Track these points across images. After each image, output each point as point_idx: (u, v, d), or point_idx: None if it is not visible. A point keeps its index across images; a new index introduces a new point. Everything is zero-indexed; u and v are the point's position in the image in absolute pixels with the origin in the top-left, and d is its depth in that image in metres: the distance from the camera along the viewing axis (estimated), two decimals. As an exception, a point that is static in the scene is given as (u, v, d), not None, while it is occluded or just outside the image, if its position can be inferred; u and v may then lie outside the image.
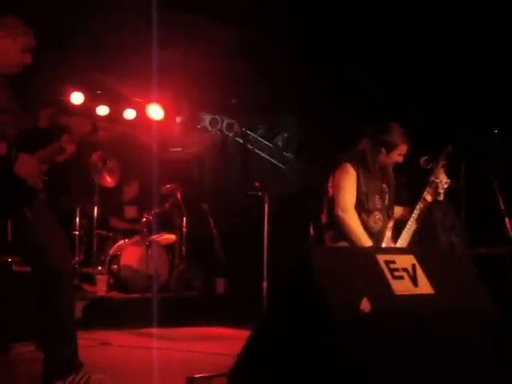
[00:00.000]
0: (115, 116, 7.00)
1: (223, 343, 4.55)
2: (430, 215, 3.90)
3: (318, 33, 5.79)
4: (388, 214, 3.78)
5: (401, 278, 2.33)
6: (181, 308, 5.62)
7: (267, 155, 3.79)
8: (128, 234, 6.39)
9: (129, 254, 6.03)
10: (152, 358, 3.83)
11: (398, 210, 3.86)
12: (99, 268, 6.22)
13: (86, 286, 5.93)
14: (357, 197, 3.66)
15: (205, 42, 5.86)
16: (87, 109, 6.81)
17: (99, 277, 5.83)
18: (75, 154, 3.00)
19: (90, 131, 3.02)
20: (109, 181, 6.45)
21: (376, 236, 3.66)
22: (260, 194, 3.35)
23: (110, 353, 4.07)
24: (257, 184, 3.37)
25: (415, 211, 3.65)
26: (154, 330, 4.78)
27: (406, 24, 5.37)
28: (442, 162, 3.64)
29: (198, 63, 5.98)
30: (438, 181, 3.62)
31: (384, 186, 3.81)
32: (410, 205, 3.78)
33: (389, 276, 2.30)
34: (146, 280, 5.88)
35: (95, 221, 6.33)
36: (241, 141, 3.54)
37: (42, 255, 2.75)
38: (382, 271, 2.30)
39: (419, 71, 5.40)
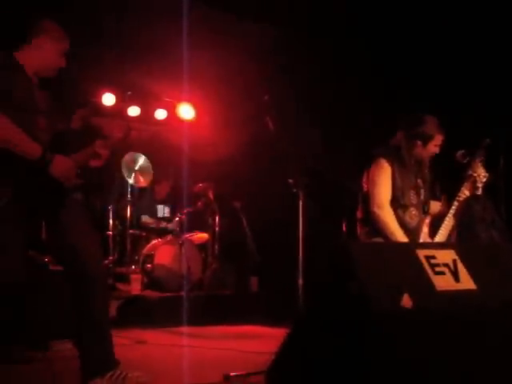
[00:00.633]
0: (146, 116, 7.06)
1: (257, 341, 4.53)
2: (468, 210, 3.83)
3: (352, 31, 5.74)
4: (424, 209, 3.72)
5: (442, 273, 2.28)
6: (214, 306, 5.62)
7: (300, 152, 3.76)
8: (160, 232, 6.43)
9: (162, 253, 6.06)
10: (186, 356, 3.84)
11: (436, 206, 3.80)
12: (133, 267, 6.28)
13: (121, 286, 5.99)
14: (392, 192, 3.61)
15: (236, 41, 5.85)
16: (119, 110, 6.89)
17: (133, 276, 5.88)
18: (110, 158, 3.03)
19: (124, 136, 3.04)
20: (141, 181, 6.49)
21: (412, 232, 3.60)
22: (295, 190, 3.32)
23: (145, 351, 4.09)
24: (291, 181, 3.34)
25: (453, 206, 3.58)
26: (188, 329, 4.80)
27: (440, 20, 5.29)
28: (479, 156, 3.57)
29: (228, 62, 5.98)
30: (475, 175, 3.55)
31: (419, 181, 3.75)
32: (447, 200, 3.71)
33: (430, 271, 2.25)
34: (180, 279, 5.90)
35: (128, 221, 6.39)
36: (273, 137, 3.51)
37: (74, 257, 2.77)
38: (422, 266, 2.25)
39: (456, 64, 5.31)
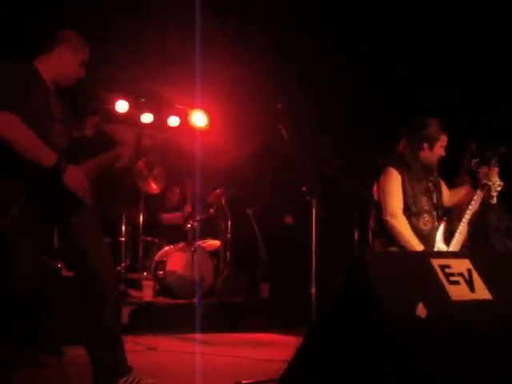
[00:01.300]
0: (159, 123, 7.09)
1: (268, 349, 4.52)
2: (483, 219, 3.80)
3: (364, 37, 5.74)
4: (438, 214, 3.70)
5: (457, 283, 2.26)
6: (226, 313, 5.61)
7: (313, 159, 3.76)
8: (171, 238, 6.45)
9: (174, 259, 6.07)
10: (198, 363, 3.83)
11: (458, 193, 3.76)
12: (145, 274, 6.29)
13: (133, 292, 6.00)
14: (404, 200, 3.60)
15: (248, 48, 5.87)
16: (132, 117, 6.92)
17: (145, 282, 5.89)
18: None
19: (136, 143, 3.05)
20: (154, 187, 6.51)
21: (426, 238, 3.58)
22: (308, 198, 3.32)
23: (156, 357, 4.09)
24: (304, 188, 3.34)
25: (467, 214, 3.55)
26: (200, 336, 4.79)
27: (455, 26, 5.28)
28: (494, 164, 3.55)
29: (241, 69, 5.99)
30: (490, 183, 3.53)
31: (430, 184, 3.73)
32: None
33: (444, 281, 2.23)
34: (192, 286, 5.90)
35: (141, 227, 6.41)
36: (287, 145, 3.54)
37: (85, 263, 2.78)
38: (437, 276, 2.23)
39: (472, 74, 5.30)
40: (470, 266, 2.36)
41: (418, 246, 3.47)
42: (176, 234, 6.52)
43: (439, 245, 3.58)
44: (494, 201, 3.54)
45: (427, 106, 5.21)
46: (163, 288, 5.99)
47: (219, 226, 6.52)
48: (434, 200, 3.72)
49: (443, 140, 3.68)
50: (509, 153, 3.60)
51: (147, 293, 5.77)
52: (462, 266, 2.35)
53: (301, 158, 3.60)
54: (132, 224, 6.50)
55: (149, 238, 6.53)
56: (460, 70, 5.39)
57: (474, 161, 3.63)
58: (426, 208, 3.65)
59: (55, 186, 2.68)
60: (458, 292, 2.24)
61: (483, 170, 3.54)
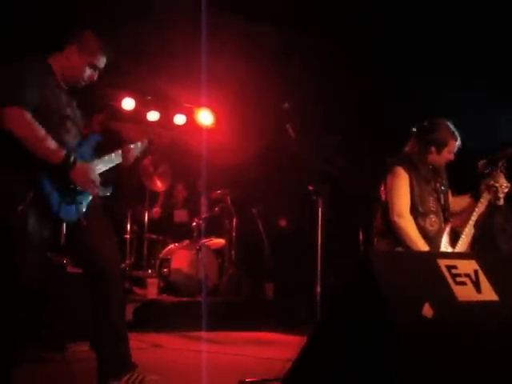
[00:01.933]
0: (165, 121, 7.09)
1: (272, 348, 4.52)
2: (489, 220, 3.78)
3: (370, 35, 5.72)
4: (444, 215, 3.68)
5: (463, 283, 2.25)
6: (230, 312, 5.62)
7: (319, 159, 3.76)
8: (176, 235, 6.45)
9: (179, 257, 6.08)
10: (202, 361, 3.83)
11: (464, 200, 3.74)
12: (150, 271, 6.31)
13: (137, 289, 6.01)
14: (411, 200, 3.58)
15: (255, 47, 5.86)
16: (138, 114, 6.93)
17: (150, 280, 5.90)
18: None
19: (150, 143, 3.06)
20: (159, 185, 6.52)
21: (433, 239, 3.56)
22: (314, 198, 3.31)
23: (160, 355, 4.09)
24: (311, 188, 3.33)
25: (473, 216, 3.54)
26: (204, 334, 4.79)
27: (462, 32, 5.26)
28: (501, 165, 3.53)
29: (247, 68, 5.99)
30: (497, 185, 3.51)
31: (438, 185, 3.70)
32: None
33: (451, 281, 2.22)
34: (196, 284, 5.91)
35: (146, 225, 6.42)
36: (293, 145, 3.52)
37: (93, 259, 2.79)
38: (443, 276, 2.22)
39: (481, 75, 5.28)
40: (477, 267, 2.35)
41: (424, 247, 3.46)
42: (181, 232, 6.53)
43: (445, 247, 3.57)
44: (501, 202, 3.52)
45: (436, 106, 5.22)
46: (167, 286, 6.00)
47: (224, 224, 6.52)
48: (442, 201, 3.69)
49: (452, 145, 3.61)
50: None
51: (151, 290, 5.78)
52: (469, 266, 2.34)
53: (307, 157, 3.58)
54: (137, 222, 6.51)
55: (153, 236, 6.54)
56: (471, 69, 5.37)
57: (482, 162, 3.60)
58: (433, 209, 3.63)
59: (62, 181, 2.68)
60: (465, 293, 2.23)
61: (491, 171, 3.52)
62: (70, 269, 4.24)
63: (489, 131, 5.32)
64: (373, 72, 5.93)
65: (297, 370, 2.39)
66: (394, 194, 3.57)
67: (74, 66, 2.84)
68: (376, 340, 2.04)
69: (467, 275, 2.30)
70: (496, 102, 5.43)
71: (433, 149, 3.61)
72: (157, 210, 6.86)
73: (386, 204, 3.62)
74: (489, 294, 2.28)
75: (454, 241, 3.60)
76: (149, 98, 6.91)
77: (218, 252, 6.44)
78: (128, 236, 6.28)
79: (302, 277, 5.17)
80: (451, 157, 3.66)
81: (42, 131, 2.63)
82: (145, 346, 4.22)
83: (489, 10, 5.01)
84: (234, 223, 6.39)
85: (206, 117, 7.05)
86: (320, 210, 3.31)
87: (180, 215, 6.86)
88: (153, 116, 7.02)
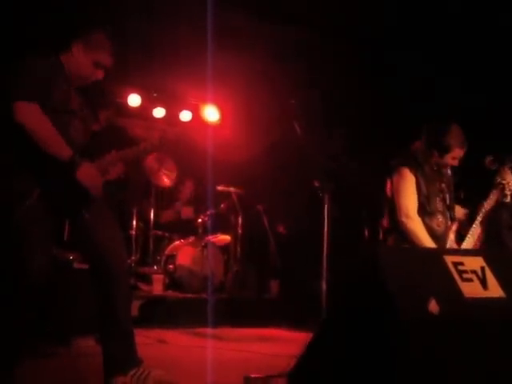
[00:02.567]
0: (171, 118, 7.10)
1: (277, 345, 4.52)
2: (495, 217, 3.77)
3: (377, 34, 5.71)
4: (450, 215, 3.67)
5: (470, 280, 2.25)
6: (235, 309, 5.62)
7: (325, 156, 3.75)
8: (182, 231, 6.46)
9: (185, 254, 6.09)
10: (207, 357, 3.83)
11: (460, 211, 3.75)
12: (155, 268, 6.31)
13: (143, 286, 6.01)
14: (418, 200, 3.56)
15: (261, 42, 5.86)
16: (144, 111, 6.94)
17: (155, 276, 5.90)
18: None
19: (161, 144, 3.06)
20: (165, 181, 6.52)
21: (439, 239, 3.56)
22: (320, 194, 3.30)
23: (165, 351, 4.10)
24: (317, 184, 3.32)
25: (480, 214, 3.53)
26: (209, 330, 4.80)
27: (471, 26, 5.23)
28: (508, 163, 3.51)
29: (253, 64, 5.98)
30: (504, 182, 3.49)
31: (443, 185, 3.69)
32: (472, 208, 3.66)
33: (457, 278, 2.22)
34: (202, 280, 5.91)
35: (152, 221, 6.43)
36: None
37: (98, 254, 2.79)
38: (450, 273, 2.22)
39: (485, 71, 5.24)
40: (484, 264, 2.34)
41: (432, 246, 3.45)
42: (187, 229, 6.54)
43: (451, 246, 3.56)
44: (508, 199, 3.50)
45: (442, 103, 5.20)
46: (173, 282, 6.00)
47: (230, 221, 6.52)
48: (447, 201, 3.68)
49: (456, 152, 3.58)
50: None
51: (157, 286, 5.78)
52: (476, 263, 2.33)
53: (313, 154, 3.57)
54: (143, 218, 6.52)
55: (159, 232, 6.55)
56: (476, 68, 5.35)
57: (489, 159, 3.58)
58: (439, 209, 3.62)
59: (69, 180, 2.69)
60: (471, 289, 2.22)
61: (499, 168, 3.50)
62: (76, 265, 4.26)
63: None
64: (379, 70, 5.91)
65: (302, 366, 2.39)
66: (400, 194, 3.56)
67: (79, 63, 2.85)
68: (381, 336, 2.04)
69: (474, 272, 2.29)
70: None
71: (435, 152, 3.58)
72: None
73: (392, 202, 3.61)
74: (495, 290, 2.28)
75: (459, 240, 3.59)
76: (155, 94, 6.92)
77: (224, 249, 6.44)
78: (134, 232, 6.29)
79: (308, 274, 5.16)
80: (455, 163, 3.63)
81: (52, 128, 2.64)
82: (150, 342, 4.22)
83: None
84: (240, 220, 6.38)
85: (212, 113, 7.04)
86: (326, 206, 3.29)
87: (186, 212, 6.87)
88: (159, 112, 7.02)
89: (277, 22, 5.87)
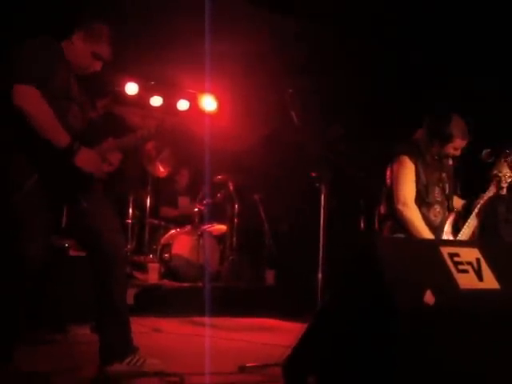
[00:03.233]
0: (168, 107, 7.07)
1: (272, 334, 4.54)
2: (492, 210, 3.78)
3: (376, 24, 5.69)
4: (448, 206, 3.67)
5: (465, 271, 2.25)
6: (231, 298, 5.63)
7: (322, 145, 3.73)
8: (179, 223, 6.46)
9: (180, 243, 6.09)
10: (202, 346, 3.84)
11: (458, 202, 3.75)
12: (151, 256, 6.32)
13: (138, 274, 6.02)
14: (416, 189, 3.57)
15: (259, 32, 5.83)
16: (141, 99, 6.91)
17: (151, 265, 5.91)
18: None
19: (157, 132, 3.05)
20: (161, 170, 6.51)
21: (436, 229, 3.56)
22: (317, 184, 3.29)
23: (160, 339, 4.11)
24: (313, 174, 3.32)
25: (477, 206, 3.53)
26: (204, 319, 4.81)
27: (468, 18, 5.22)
28: (505, 155, 3.52)
29: (251, 53, 5.96)
30: (501, 175, 3.50)
31: (443, 175, 3.69)
32: (469, 199, 3.67)
33: (453, 269, 2.23)
34: (197, 269, 5.92)
35: (148, 210, 6.42)
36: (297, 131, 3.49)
37: (96, 241, 2.80)
38: (445, 264, 2.23)
39: (485, 63, 5.23)
40: (479, 256, 2.35)
41: (428, 235, 3.46)
42: (183, 218, 6.54)
43: (447, 236, 3.57)
44: (504, 192, 3.51)
45: (440, 93, 5.18)
46: (168, 271, 6.01)
47: (226, 210, 6.52)
48: (447, 191, 3.69)
49: (457, 143, 3.58)
50: None
51: (152, 275, 5.80)
52: (471, 254, 2.34)
53: (311, 144, 3.57)
54: (139, 206, 6.52)
55: (155, 221, 6.54)
56: (469, 57, 5.34)
57: (486, 152, 3.59)
58: (438, 199, 3.63)
59: (67, 166, 2.68)
60: (467, 280, 2.23)
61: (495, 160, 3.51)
62: (72, 252, 4.25)
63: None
64: (378, 59, 5.90)
65: (297, 355, 2.40)
66: (399, 182, 3.56)
67: (78, 52, 2.86)
68: (377, 326, 2.05)
69: (469, 263, 2.30)
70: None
71: (437, 141, 3.59)
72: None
73: (390, 189, 3.62)
74: (490, 282, 2.29)
75: (456, 231, 3.60)
76: (152, 83, 6.89)
77: (220, 238, 6.45)
78: (130, 221, 6.29)
79: (304, 264, 5.17)
80: (457, 153, 3.63)
81: (51, 111, 2.63)
82: (145, 331, 4.23)
83: None
84: (236, 209, 6.39)
85: (209, 102, 7.02)
86: (323, 196, 3.29)
87: (183, 202, 6.86)
88: (156, 101, 7.00)
89: (275, 11, 5.85)
